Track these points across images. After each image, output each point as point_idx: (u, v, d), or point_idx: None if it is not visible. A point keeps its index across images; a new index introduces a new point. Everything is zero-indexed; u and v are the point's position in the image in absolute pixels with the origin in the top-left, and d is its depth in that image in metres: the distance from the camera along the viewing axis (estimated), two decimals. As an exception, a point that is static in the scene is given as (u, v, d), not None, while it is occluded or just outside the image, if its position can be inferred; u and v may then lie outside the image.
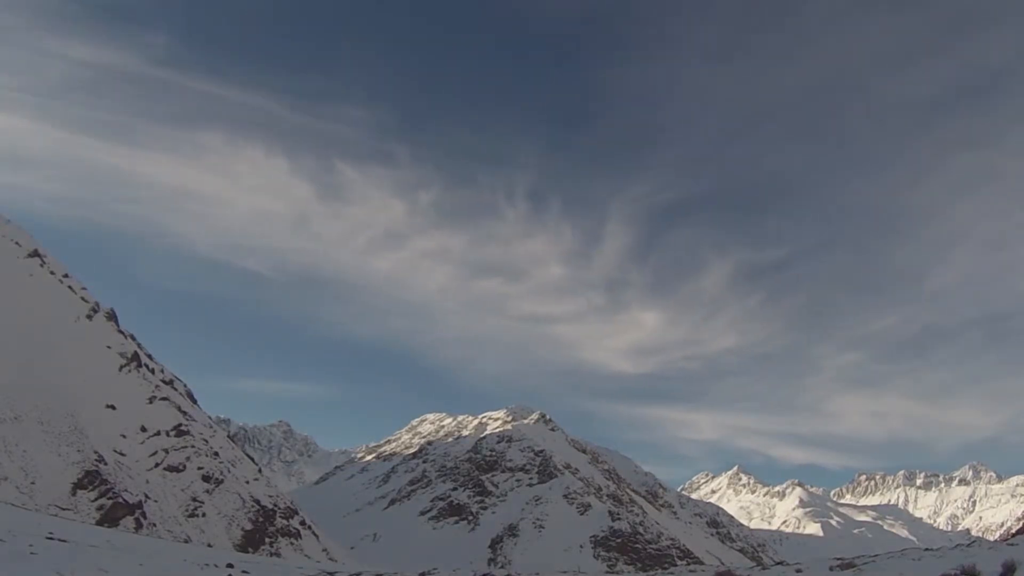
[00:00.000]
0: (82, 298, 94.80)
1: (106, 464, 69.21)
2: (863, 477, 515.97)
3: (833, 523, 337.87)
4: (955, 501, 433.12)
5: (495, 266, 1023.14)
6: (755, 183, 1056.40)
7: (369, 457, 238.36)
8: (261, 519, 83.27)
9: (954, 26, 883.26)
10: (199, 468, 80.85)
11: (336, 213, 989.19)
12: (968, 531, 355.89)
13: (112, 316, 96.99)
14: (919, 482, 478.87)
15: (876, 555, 29.76)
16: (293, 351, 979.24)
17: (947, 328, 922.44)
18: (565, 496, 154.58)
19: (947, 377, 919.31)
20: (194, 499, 77.16)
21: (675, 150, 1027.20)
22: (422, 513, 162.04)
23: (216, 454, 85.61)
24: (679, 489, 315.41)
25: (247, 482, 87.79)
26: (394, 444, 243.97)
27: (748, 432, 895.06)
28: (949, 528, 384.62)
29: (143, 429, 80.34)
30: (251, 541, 78.77)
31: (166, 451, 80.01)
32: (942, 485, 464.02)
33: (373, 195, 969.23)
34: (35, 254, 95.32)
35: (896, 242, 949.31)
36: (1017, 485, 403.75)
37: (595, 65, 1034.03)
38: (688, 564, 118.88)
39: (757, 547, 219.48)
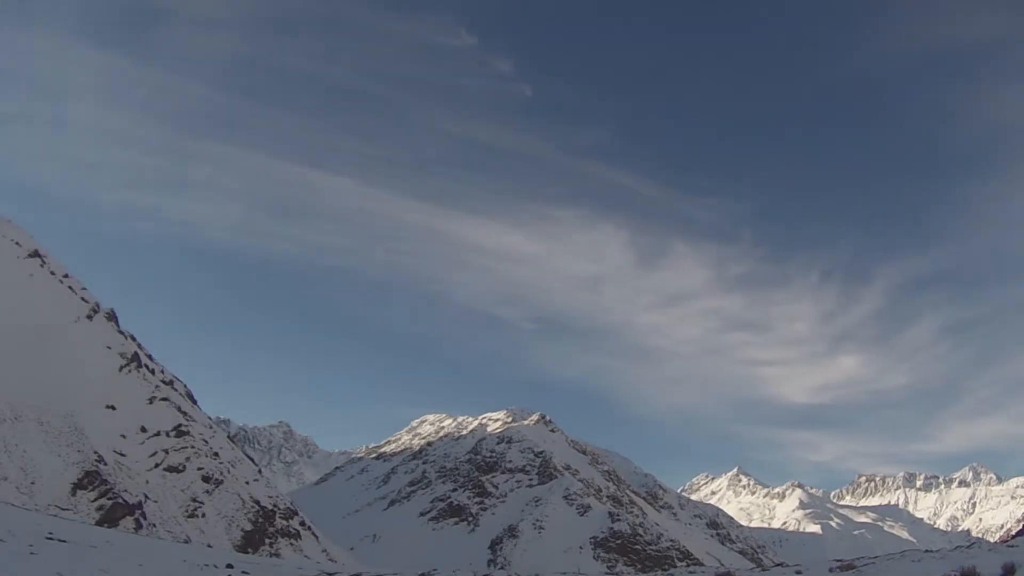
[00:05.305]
0: (82, 298, 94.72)
1: (106, 464, 69.19)
2: (863, 478, 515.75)
3: (833, 524, 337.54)
4: (955, 502, 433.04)
5: (750, 323, 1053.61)
6: (984, 259, 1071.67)
7: (369, 458, 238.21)
8: (261, 520, 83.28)
9: None
10: (199, 469, 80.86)
11: (638, 277, 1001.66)
12: (968, 532, 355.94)
13: (112, 316, 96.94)
14: (919, 483, 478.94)
15: (876, 556, 29.73)
16: (484, 382, 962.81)
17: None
18: (565, 497, 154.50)
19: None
20: (194, 500, 77.16)
21: (953, 238, 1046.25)
22: (422, 514, 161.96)
23: (216, 455, 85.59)
24: (679, 490, 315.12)
25: (247, 483, 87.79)
26: (394, 445, 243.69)
27: (857, 454, 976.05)
28: (949, 529, 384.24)
29: (143, 429, 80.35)
30: (251, 542, 78.77)
31: (166, 451, 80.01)
32: (942, 486, 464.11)
33: (687, 266, 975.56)
34: (35, 254, 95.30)
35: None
36: (1017, 487, 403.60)
37: (934, 177, 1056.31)
38: (688, 565, 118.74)
39: (757, 548, 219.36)
